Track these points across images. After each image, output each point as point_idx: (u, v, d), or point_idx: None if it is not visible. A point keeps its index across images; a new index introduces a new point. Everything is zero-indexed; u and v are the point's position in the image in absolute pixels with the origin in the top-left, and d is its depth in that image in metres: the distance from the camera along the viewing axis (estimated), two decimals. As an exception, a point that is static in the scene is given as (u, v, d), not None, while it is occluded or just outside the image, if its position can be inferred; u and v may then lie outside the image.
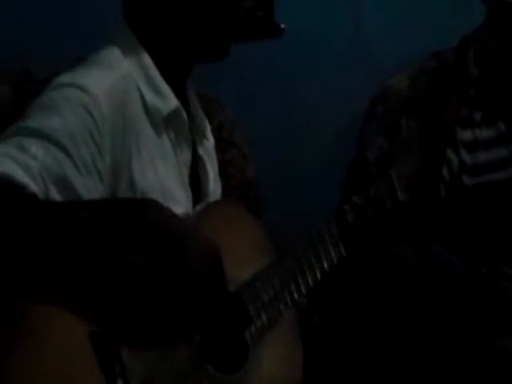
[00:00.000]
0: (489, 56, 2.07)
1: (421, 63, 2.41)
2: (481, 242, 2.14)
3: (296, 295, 1.38)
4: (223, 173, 2.11)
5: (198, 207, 1.39)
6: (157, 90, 1.31)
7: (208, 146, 1.50)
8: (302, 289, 1.39)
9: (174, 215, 1.12)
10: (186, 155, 1.38)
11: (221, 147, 2.10)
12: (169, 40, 1.34)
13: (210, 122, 2.09)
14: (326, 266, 1.43)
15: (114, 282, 1.10)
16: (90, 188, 1.20)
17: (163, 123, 1.32)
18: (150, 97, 1.30)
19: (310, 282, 1.40)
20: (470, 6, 2.19)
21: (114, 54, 1.31)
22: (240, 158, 2.13)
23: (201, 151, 1.45)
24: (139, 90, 1.30)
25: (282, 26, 2.40)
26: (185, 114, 1.36)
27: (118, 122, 1.24)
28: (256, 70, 2.40)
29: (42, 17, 2.05)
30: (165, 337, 1.16)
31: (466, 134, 2.16)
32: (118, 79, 1.27)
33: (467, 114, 2.17)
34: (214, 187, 1.50)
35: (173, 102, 1.33)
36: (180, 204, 1.33)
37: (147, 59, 1.32)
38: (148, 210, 1.09)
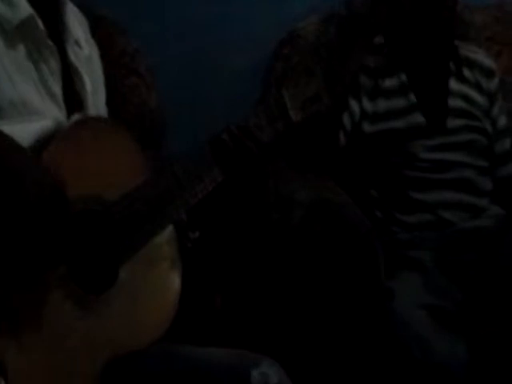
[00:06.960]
0: (400, 16, 2.11)
1: (331, 9, 2.43)
2: (376, 186, 2.18)
3: (174, 214, 1.35)
4: (122, 98, 2.09)
5: (73, 118, 1.34)
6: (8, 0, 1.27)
7: (81, 55, 1.44)
8: (181, 208, 1.37)
9: (7, 149, 1.11)
10: (53, 64, 1.33)
11: (121, 73, 2.08)
12: None
13: (112, 46, 2.05)
14: (204, 187, 1.40)
15: None
16: None
17: (15, 33, 1.28)
18: None
19: (190, 201, 1.38)
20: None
21: None
22: (142, 86, 2.10)
23: (73, 58, 1.40)
24: None
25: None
26: (40, 23, 1.30)
27: None
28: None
29: None
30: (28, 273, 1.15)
31: (368, 82, 2.19)
32: None
33: (372, 61, 2.20)
34: (95, 97, 1.45)
35: (24, 10, 1.28)
36: (45, 116, 1.29)
37: None
38: None
